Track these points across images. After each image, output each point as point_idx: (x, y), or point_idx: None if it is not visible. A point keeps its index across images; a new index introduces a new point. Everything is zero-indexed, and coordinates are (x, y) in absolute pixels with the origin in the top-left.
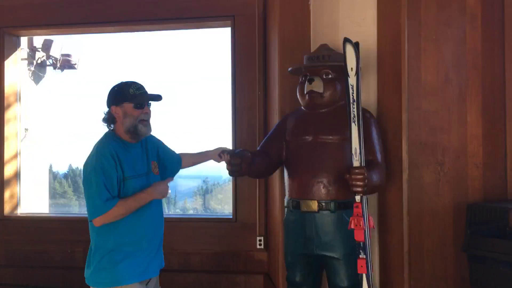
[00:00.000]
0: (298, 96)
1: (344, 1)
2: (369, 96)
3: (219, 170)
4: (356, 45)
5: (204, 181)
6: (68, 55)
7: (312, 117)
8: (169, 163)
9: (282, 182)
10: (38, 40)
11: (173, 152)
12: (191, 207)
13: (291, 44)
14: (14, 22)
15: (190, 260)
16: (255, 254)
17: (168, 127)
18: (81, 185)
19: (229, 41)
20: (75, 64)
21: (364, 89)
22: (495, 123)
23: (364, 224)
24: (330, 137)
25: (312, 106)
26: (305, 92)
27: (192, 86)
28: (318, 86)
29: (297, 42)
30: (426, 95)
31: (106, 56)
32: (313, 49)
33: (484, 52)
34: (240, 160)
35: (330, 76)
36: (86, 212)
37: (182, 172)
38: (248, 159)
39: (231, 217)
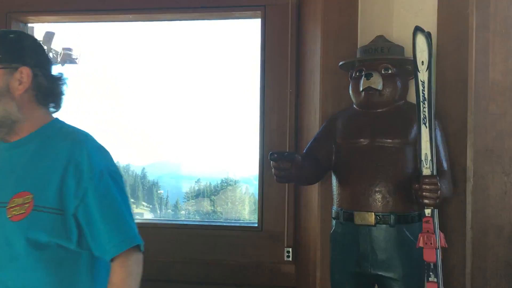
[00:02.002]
0: (350, 93)
1: None
2: None
3: (211, 172)
4: (428, 36)
5: (196, 182)
6: (69, 49)
7: (368, 117)
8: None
9: (323, 189)
10: (39, 33)
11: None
12: (184, 208)
13: (335, 36)
14: (22, 7)
15: (210, 272)
16: (281, 267)
17: (189, 127)
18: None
19: (256, 34)
20: (76, 59)
21: None
22: None
23: (436, 242)
24: (390, 140)
25: (369, 105)
26: (361, 89)
27: (215, 83)
28: (376, 82)
29: (342, 35)
30: (494, 96)
31: (111, 50)
32: (360, 42)
33: None
34: (290, 164)
35: (390, 72)
36: None
37: (176, 171)
38: (298, 163)
39: (256, 225)
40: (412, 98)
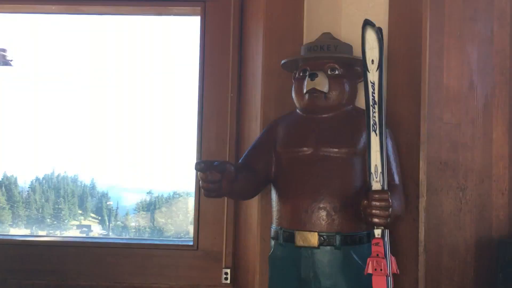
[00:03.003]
0: (293, 96)
1: None
2: None
3: (163, 182)
4: (379, 31)
5: (148, 193)
6: (3, 50)
7: (312, 123)
8: None
9: (264, 204)
10: None
11: None
12: (134, 220)
13: (279, 35)
14: None
15: None
16: None
17: (137, 134)
18: (16, 193)
19: (196, 32)
20: (11, 60)
21: None
22: None
23: (387, 268)
24: (336, 149)
25: (313, 109)
26: (305, 91)
27: (150, 84)
28: (322, 83)
29: (287, 33)
30: (448, 104)
31: (46, 48)
32: (306, 41)
33: None
34: (220, 176)
35: (337, 72)
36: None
37: (126, 184)
38: (230, 175)
39: (191, 243)
40: (361, 103)
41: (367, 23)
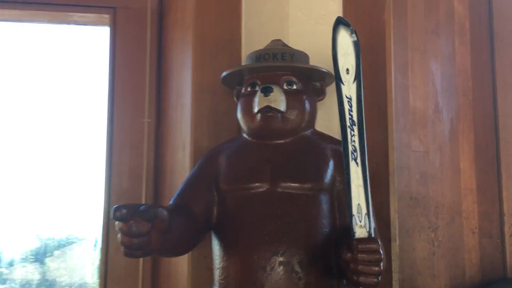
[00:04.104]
0: (239, 117)
1: None
2: (333, 124)
3: (56, 226)
4: (354, 33)
5: (37, 237)
6: None
7: (266, 151)
8: None
9: (197, 254)
10: None
11: None
12: (20, 267)
13: (212, 45)
14: None
15: None
16: None
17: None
18: None
19: (104, 45)
20: None
21: (326, 116)
22: (488, 172)
23: None
24: (297, 185)
25: (267, 133)
26: (256, 110)
27: (42, 106)
28: (278, 100)
29: (221, 43)
30: (415, 129)
31: None
32: (245, 52)
33: (474, 77)
34: (148, 226)
35: (295, 87)
36: None
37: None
38: (163, 223)
39: None
40: (320, 126)
41: (340, 22)
